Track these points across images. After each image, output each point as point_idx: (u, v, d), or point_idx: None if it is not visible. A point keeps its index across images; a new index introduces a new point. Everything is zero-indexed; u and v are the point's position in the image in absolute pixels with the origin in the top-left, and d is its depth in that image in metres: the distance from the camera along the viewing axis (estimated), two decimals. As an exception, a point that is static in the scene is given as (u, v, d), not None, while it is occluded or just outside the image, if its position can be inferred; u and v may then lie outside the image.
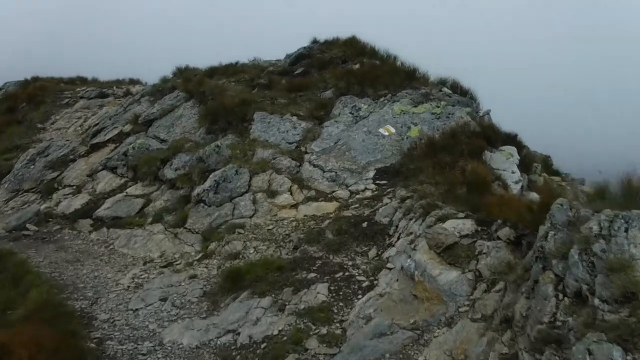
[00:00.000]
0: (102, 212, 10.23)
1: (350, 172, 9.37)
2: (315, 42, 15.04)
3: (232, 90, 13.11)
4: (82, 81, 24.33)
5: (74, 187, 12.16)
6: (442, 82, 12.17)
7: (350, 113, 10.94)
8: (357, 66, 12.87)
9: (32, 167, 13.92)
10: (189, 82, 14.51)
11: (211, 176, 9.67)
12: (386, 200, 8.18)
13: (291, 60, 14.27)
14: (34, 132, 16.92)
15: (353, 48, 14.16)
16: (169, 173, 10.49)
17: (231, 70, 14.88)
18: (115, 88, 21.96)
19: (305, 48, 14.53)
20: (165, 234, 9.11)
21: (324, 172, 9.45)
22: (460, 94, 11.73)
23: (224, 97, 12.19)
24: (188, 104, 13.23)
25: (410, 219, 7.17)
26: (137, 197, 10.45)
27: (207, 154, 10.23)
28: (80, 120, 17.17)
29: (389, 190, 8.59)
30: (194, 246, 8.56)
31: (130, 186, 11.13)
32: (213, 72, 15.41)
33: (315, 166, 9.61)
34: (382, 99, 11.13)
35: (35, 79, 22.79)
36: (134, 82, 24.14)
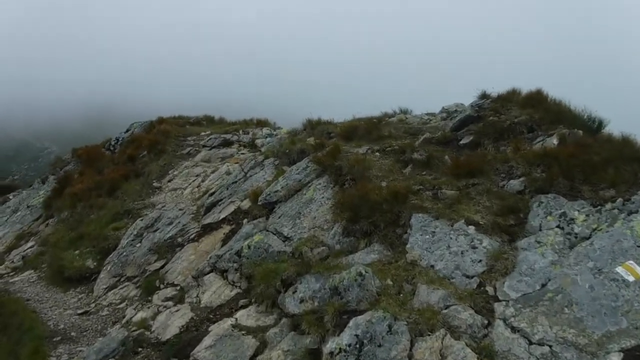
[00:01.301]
0: (201, 352, 7.56)
1: (577, 349, 5.77)
2: (484, 96, 11.54)
3: (377, 167, 10.03)
4: (209, 121, 22.91)
5: (177, 289, 9.79)
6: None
7: (559, 227, 7.30)
8: (555, 141, 9.16)
9: (138, 245, 11.96)
10: (320, 147, 11.70)
11: (351, 324, 6.59)
12: None
13: (455, 124, 10.89)
14: (149, 191, 15.13)
15: (542, 108, 10.45)
16: (290, 304, 7.59)
17: (374, 133, 11.83)
18: (240, 132, 20.07)
19: (472, 106, 11.07)
20: (282, 421, 6.17)
21: (530, 343, 5.94)
22: None
23: (366, 184, 9.13)
24: (319, 181, 10.38)
25: None
26: (249, 332, 7.67)
27: (344, 284, 7.17)
28: (198, 179, 15.10)
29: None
30: None
31: (243, 305, 8.43)
32: (351, 132, 12.50)
33: (514, 330, 6.14)
34: (608, 206, 7.36)
35: (160, 121, 21.59)
36: (261, 123, 22.22)
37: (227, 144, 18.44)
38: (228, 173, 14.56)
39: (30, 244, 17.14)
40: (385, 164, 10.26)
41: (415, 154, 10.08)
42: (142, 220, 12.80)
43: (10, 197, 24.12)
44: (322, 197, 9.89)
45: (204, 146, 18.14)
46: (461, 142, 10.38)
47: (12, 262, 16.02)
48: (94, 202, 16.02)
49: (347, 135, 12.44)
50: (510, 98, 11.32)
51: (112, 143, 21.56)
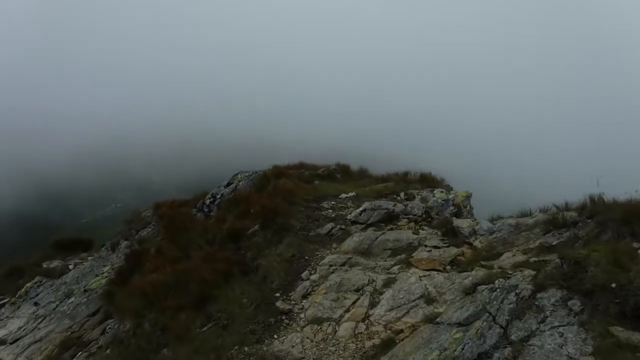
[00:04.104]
0: None
1: None
2: None
3: None
4: (344, 172, 16.14)
5: None
6: None
7: None
8: None
9: None
10: None
11: None
12: None
13: None
14: (268, 317, 8.26)
15: None
16: None
17: None
18: (402, 196, 13.09)
19: None
20: None
21: None
22: None
23: None
24: None
25: None
26: None
27: None
28: (362, 301, 8.13)
29: None
30: None
31: None
32: None
33: None
34: None
35: (277, 172, 15.03)
36: (426, 179, 15.18)
37: (390, 218, 11.42)
38: (429, 300, 7.40)
39: (70, 371, 10.93)
40: None
41: None
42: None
43: (71, 266, 18.52)
44: None
45: (353, 222, 11.20)
46: None
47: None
48: (170, 322, 9.46)
49: None
50: None
51: (207, 202, 15.23)
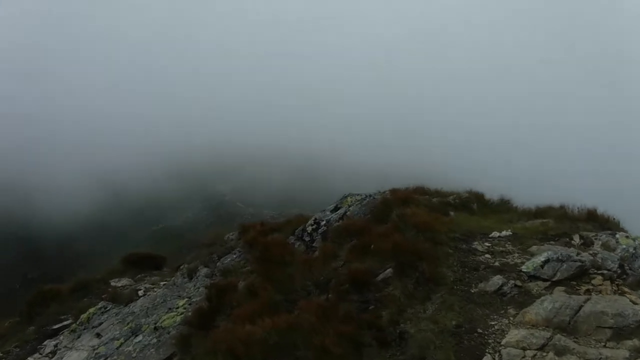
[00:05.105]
0: None
1: None
2: None
3: None
4: (480, 202, 12.86)
5: None
6: None
7: None
8: None
9: None
10: None
11: None
12: None
13: None
14: None
15: None
16: None
17: None
18: (577, 240, 9.78)
19: None
20: None
21: None
22: None
23: None
24: None
25: None
26: None
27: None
28: None
29: None
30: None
31: None
32: None
33: None
34: None
35: (400, 198, 11.99)
36: (594, 217, 11.64)
37: (581, 273, 8.08)
38: None
39: None
40: None
41: None
42: None
43: (140, 291, 16.10)
44: None
45: (531, 277, 7.92)
46: None
47: None
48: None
49: None
50: None
51: (309, 228, 12.32)
